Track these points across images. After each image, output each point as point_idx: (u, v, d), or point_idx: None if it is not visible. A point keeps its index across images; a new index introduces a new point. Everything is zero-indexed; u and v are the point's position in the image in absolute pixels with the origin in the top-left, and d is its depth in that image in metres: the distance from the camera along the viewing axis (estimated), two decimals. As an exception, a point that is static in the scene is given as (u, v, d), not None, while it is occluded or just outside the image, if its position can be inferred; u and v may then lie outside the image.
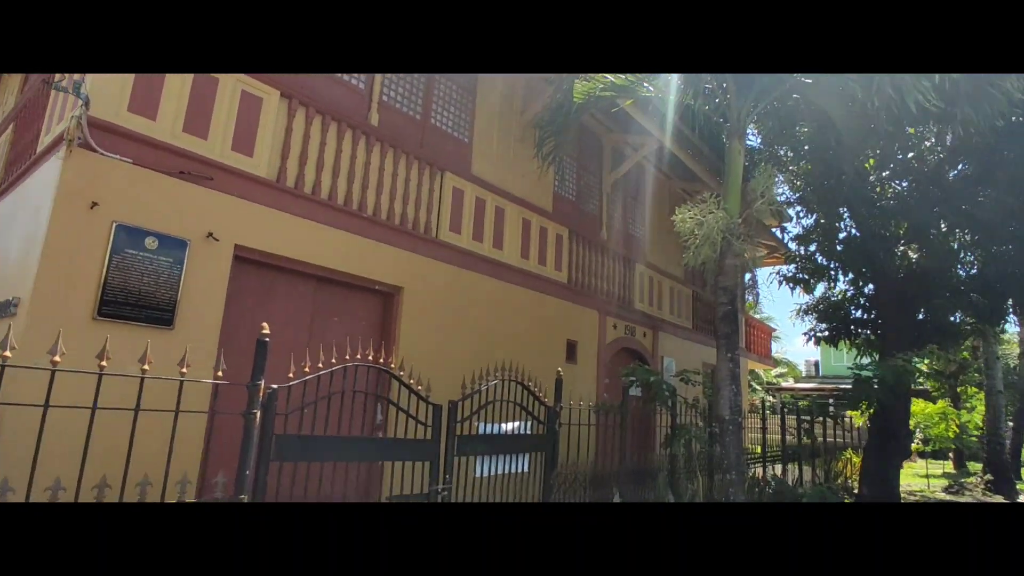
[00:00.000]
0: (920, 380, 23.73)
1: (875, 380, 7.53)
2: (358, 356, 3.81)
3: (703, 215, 5.62)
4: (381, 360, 4.03)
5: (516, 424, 4.71)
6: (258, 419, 3.10)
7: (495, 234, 7.49)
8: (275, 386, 3.25)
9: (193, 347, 4.35)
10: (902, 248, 9.68)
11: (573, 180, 9.46)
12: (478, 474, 4.33)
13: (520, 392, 4.83)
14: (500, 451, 4.48)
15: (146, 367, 2.93)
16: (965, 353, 21.73)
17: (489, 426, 4.48)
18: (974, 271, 10.00)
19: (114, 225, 4.22)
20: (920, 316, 11.23)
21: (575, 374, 8.31)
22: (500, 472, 4.53)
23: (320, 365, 3.52)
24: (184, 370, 3.07)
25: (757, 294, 5.78)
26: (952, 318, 11.05)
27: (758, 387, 32.75)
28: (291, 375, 3.41)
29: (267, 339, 3.17)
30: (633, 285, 10.19)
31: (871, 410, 10.66)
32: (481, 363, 5.19)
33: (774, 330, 17.95)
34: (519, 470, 4.69)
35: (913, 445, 17.51)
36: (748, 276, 6.00)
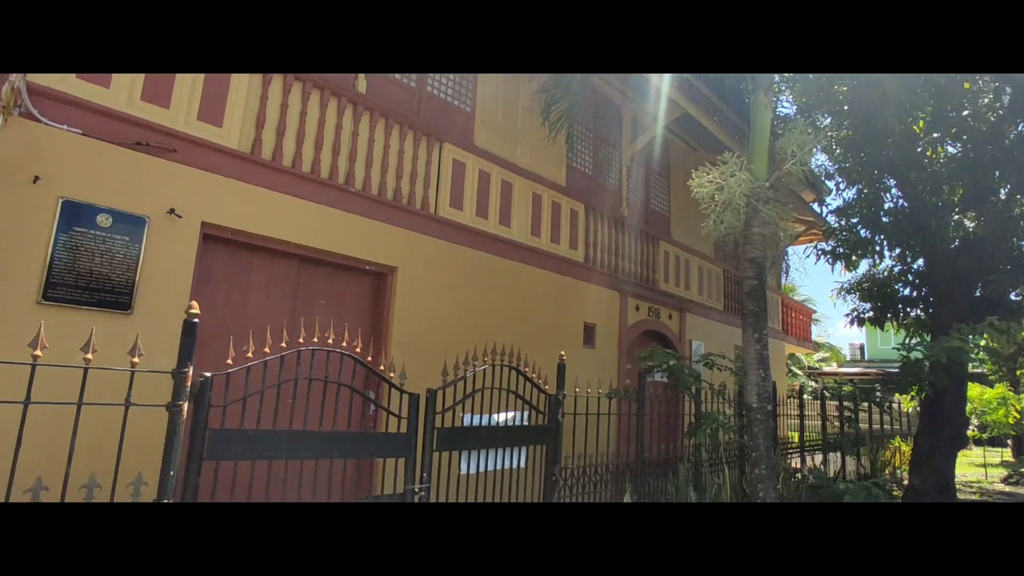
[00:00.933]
0: (977, 359, 22.28)
1: (926, 361, 6.75)
2: (315, 339, 3.34)
3: (724, 178, 4.97)
4: (361, 348, 3.56)
5: (511, 414, 4.21)
6: (185, 412, 2.66)
7: (501, 210, 6.96)
8: (208, 374, 2.81)
9: (156, 334, 4.01)
10: (956, 217, 8.74)
11: (589, 152, 8.83)
12: (464, 471, 3.84)
13: (516, 379, 4.31)
14: (491, 445, 3.98)
15: (89, 356, 2.53)
16: (1025, 333, 20.25)
17: (477, 417, 3.98)
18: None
19: (61, 201, 3.85)
20: (977, 293, 10.25)
21: (593, 359, 7.76)
22: (492, 468, 4.03)
23: (267, 350, 3.07)
24: (136, 359, 2.66)
25: (788, 266, 5.08)
26: (1013, 294, 10.02)
27: (799, 372, 31.52)
28: (229, 361, 2.97)
29: (196, 319, 2.73)
30: (657, 264, 9.52)
31: (922, 394, 9.83)
32: (485, 348, 4.70)
33: (813, 311, 16.93)
34: (515, 465, 4.19)
35: (969, 432, 16.35)
36: (779, 249, 5.30)
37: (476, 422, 3.99)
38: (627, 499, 4.79)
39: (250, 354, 3.00)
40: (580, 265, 7.90)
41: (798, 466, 9.11)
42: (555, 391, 4.63)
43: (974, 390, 15.13)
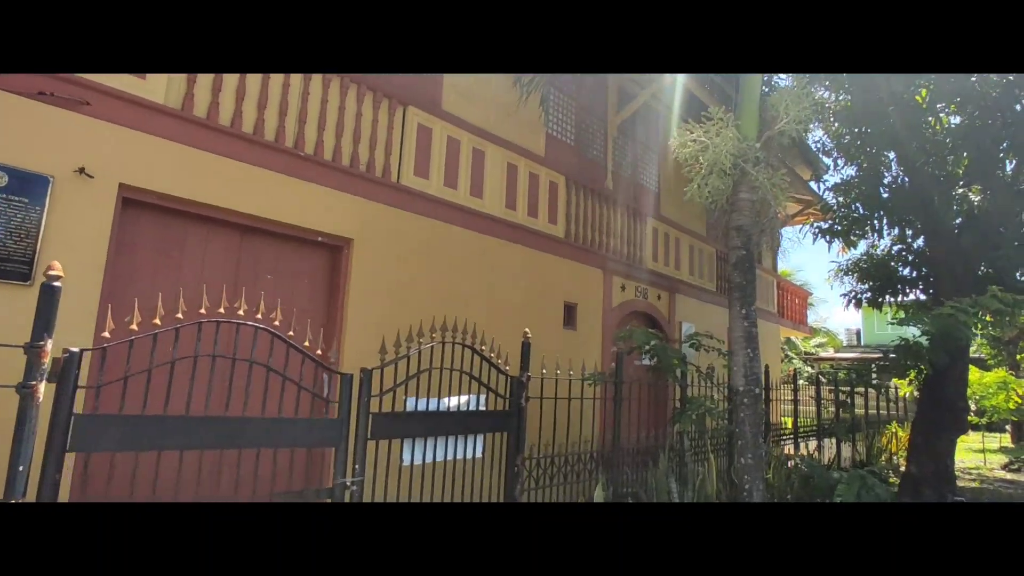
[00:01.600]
0: (976, 343, 21.86)
1: (925, 337, 6.33)
2: (221, 309, 2.87)
3: (709, 137, 4.47)
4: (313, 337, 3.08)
5: (465, 399, 3.75)
6: (41, 393, 2.19)
7: (473, 180, 6.46)
8: (75, 349, 2.33)
9: (63, 308, 3.54)
10: (960, 190, 8.25)
11: (571, 121, 8.31)
12: (407, 462, 3.39)
13: (472, 359, 3.85)
14: (440, 432, 3.53)
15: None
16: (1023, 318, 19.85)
17: (424, 401, 3.52)
18: (1049, 216, 8.49)
19: (-59, 155, 3.36)
20: (980, 272, 9.80)
21: (574, 341, 7.30)
22: (443, 459, 3.58)
23: (157, 321, 2.60)
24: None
25: (780, 242, 4.61)
26: (1019, 273, 9.57)
27: (794, 356, 31.17)
28: (107, 334, 2.50)
29: (56, 283, 2.24)
30: (645, 242, 9.04)
31: (920, 377, 9.42)
32: (434, 324, 4.25)
33: (810, 294, 16.49)
34: (470, 455, 3.74)
35: (969, 417, 16.01)
36: (770, 218, 4.81)
37: (424, 407, 3.53)
38: (598, 494, 4.34)
39: (134, 326, 2.52)
40: (560, 241, 7.42)
41: (792, 452, 8.70)
42: (518, 373, 4.17)
43: (973, 374, 14.75)
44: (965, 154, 8.55)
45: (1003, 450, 17.12)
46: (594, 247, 7.97)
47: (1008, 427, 19.54)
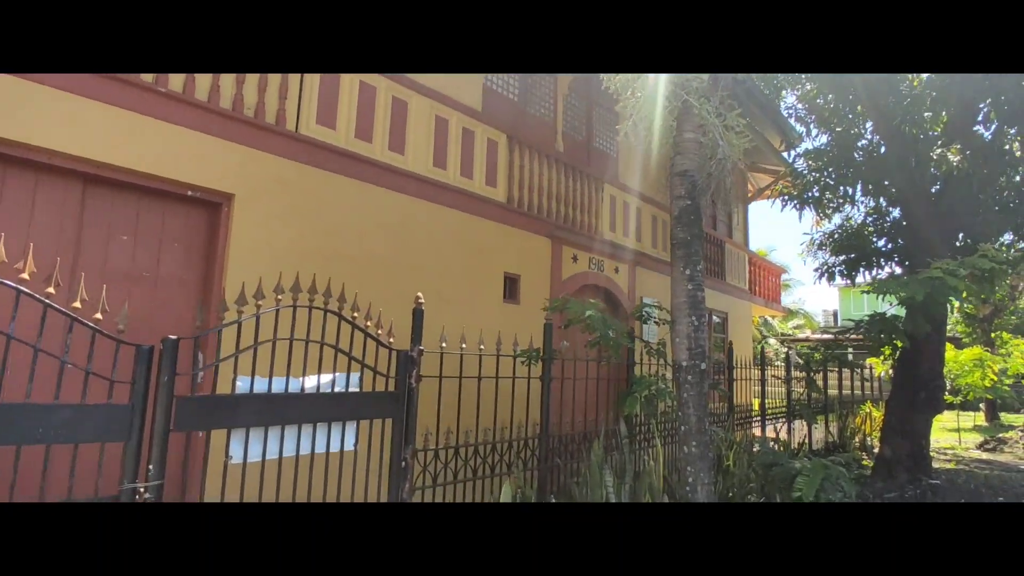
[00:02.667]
0: (962, 297, 21.54)
1: (905, 304, 5.70)
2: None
3: (646, 63, 3.68)
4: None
5: (329, 378, 2.97)
6: None
7: (392, 133, 5.64)
8: None
9: None
10: (939, 151, 7.61)
11: (514, 75, 7.49)
12: (237, 459, 2.61)
13: (345, 329, 3.07)
14: (287, 421, 2.75)
15: None
16: (1001, 294, 19.56)
17: (265, 381, 2.74)
18: (1031, 178, 7.91)
19: None
20: (958, 243, 9.23)
21: (516, 316, 6.55)
22: (294, 454, 2.82)
23: None
24: None
25: (742, 207, 3.87)
26: (997, 244, 9.03)
27: (771, 337, 30.87)
28: None
29: None
30: (601, 210, 8.29)
31: (895, 353, 8.87)
32: (280, 284, 3.48)
33: (784, 271, 15.92)
34: (338, 448, 2.97)
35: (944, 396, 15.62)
36: (722, 165, 4.06)
37: (259, 388, 2.75)
38: (505, 492, 3.60)
39: None
40: (500, 206, 6.64)
41: (760, 435, 8.09)
42: (411, 346, 3.40)
43: (948, 352, 14.34)
44: (944, 113, 7.91)
45: (977, 429, 16.83)
46: (541, 214, 7.20)
47: (982, 405, 19.31)
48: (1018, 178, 7.68)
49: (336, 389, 3.01)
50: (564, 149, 7.91)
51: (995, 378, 13.51)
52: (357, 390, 3.09)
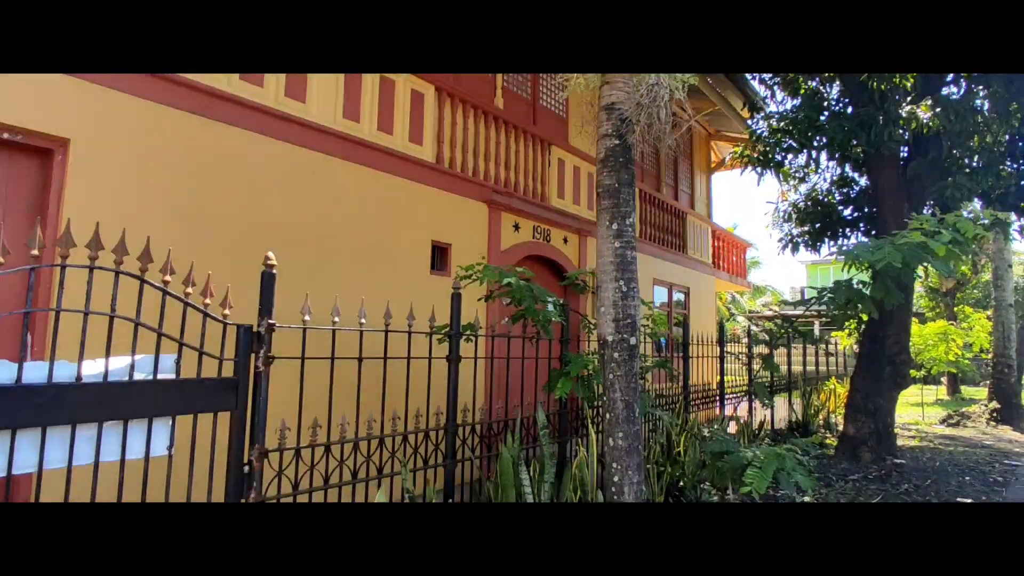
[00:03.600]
0: (939, 259, 21.47)
1: (875, 270, 5.17)
2: None
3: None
4: None
5: (127, 361, 2.22)
6: None
7: (291, 77, 4.82)
8: None
9: None
10: (908, 108, 7.06)
11: (448, 20, 6.67)
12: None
13: (167, 303, 2.32)
14: (41, 421, 2.00)
15: None
16: (965, 268, 19.51)
17: (38, 367, 1.99)
18: (1004, 139, 7.43)
19: None
20: (927, 209, 8.77)
21: (446, 288, 5.82)
22: (97, 460, 2.08)
23: None
24: None
25: (663, 118, 3.15)
26: (968, 211, 8.60)
27: (739, 314, 30.78)
28: None
29: None
30: (548, 175, 7.58)
31: (860, 328, 8.43)
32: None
33: (750, 245, 15.48)
34: (145, 454, 2.24)
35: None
36: (659, 102, 3.35)
37: (50, 377, 2.00)
38: (380, 496, 2.90)
39: None
40: (427, 166, 5.87)
41: (718, 415, 7.57)
42: (259, 320, 2.66)
43: (912, 326, 14.11)
44: (913, 67, 7.34)
45: (939, 403, 16.78)
46: (478, 177, 6.46)
47: (943, 379, 19.33)
48: (989, 138, 7.17)
49: (141, 375, 2.27)
50: (505, 106, 7.14)
51: (959, 352, 13.31)
52: (172, 376, 2.34)
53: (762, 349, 9.91)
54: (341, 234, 5.01)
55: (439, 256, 5.98)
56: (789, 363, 10.38)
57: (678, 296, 10.96)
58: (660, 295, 10.28)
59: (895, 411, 8.04)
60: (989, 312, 15.63)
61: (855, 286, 8.42)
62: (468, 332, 3.83)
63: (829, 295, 6.01)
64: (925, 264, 4.54)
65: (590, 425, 4.17)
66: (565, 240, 7.77)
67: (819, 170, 8.91)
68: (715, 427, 5.57)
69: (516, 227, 6.92)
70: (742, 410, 8.67)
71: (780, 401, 10.11)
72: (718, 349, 8.16)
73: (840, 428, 8.92)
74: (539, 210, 7.26)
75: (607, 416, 3.00)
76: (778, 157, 8.11)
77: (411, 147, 5.75)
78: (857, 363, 8.34)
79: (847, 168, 9.38)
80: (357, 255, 5.09)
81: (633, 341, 3.00)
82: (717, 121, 12.39)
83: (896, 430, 10.65)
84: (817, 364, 12.18)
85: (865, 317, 8.60)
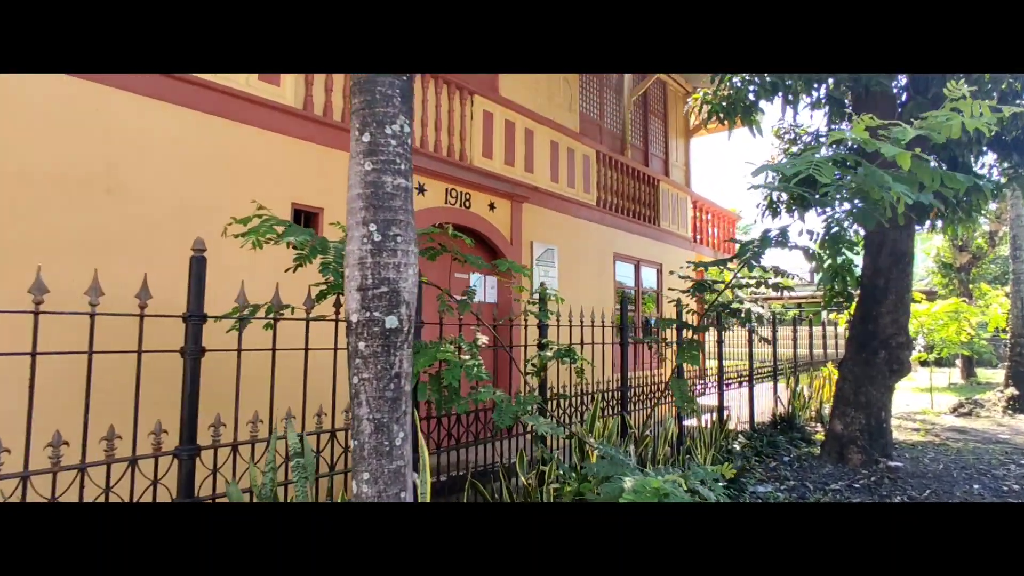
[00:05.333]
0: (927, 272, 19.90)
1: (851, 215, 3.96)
2: None
3: None
4: None
5: None
6: None
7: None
8: None
9: None
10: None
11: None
12: None
13: None
14: None
15: None
16: (980, 241, 17.98)
17: None
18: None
19: None
20: (931, 161, 7.44)
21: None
22: None
23: None
24: None
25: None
26: (974, 168, 7.25)
27: (743, 296, 29.39)
28: None
29: None
30: (470, 130, 6.35)
31: (845, 299, 7.19)
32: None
33: (737, 217, 14.06)
34: None
35: (916, 355, 14.05)
36: None
37: None
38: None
39: None
40: (289, 113, 4.68)
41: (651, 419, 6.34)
42: None
43: (921, 306, 12.74)
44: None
45: (953, 387, 15.41)
46: (365, 127, 5.26)
47: (958, 362, 17.90)
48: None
49: None
50: (408, 43, 5.91)
51: (972, 332, 11.93)
52: None
53: (763, 332, 8.68)
54: (165, 198, 3.86)
55: (305, 223, 4.81)
56: (774, 347, 9.13)
57: (650, 271, 9.72)
58: (625, 272, 9.05)
59: (891, 403, 6.78)
60: (1008, 288, 14.19)
61: (841, 261, 7.16)
62: (234, 316, 2.65)
63: (755, 249, 4.60)
64: (884, 188, 3.24)
65: (423, 447, 2.98)
66: (492, 207, 6.55)
67: (796, 101, 7.50)
68: (597, 444, 4.35)
69: (421, 189, 5.71)
70: (739, 398, 7.51)
71: (762, 390, 8.88)
72: (713, 334, 6.93)
73: (828, 424, 7.68)
74: (455, 171, 6.05)
75: (352, 443, 1.84)
76: (750, 98, 6.81)
77: (265, 88, 4.56)
78: (847, 347, 7.09)
79: (833, 108, 8.03)
80: (192, 222, 3.94)
81: (392, 323, 1.82)
82: (697, 78, 11.05)
83: (899, 420, 9.41)
84: (811, 348, 10.90)
85: (852, 285, 7.35)
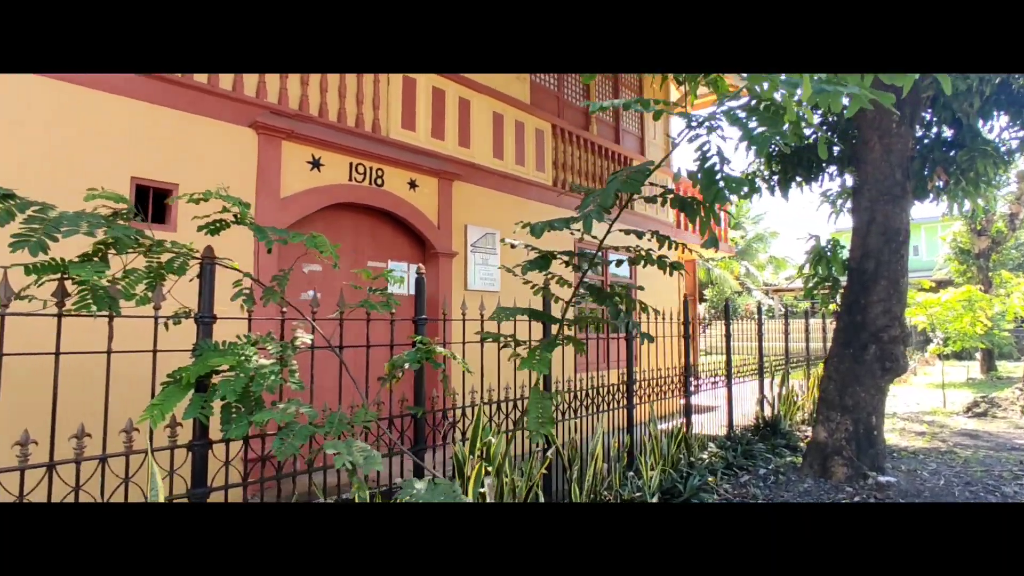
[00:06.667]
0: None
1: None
2: None
3: None
4: None
5: None
6: None
7: None
8: None
9: None
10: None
11: None
12: None
13: None
14: None
15: None
16: (1000, 224, 16.72)
17: None
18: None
19: None
20: (934, 131, 6.46)
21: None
22: None
23: None
24: None
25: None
26: (983, 132, 6.23)
27: (755, 288, 28.29)
28: None
29: None
30: (384, 96, 5.52)
31: (831, 286, 6.33)
32: None
33: (729, 202, 13.04)
34: None
35: (933, 347, 12.91)
36: None
37: None
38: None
39: None
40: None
41: (646, 417, 5.45)
42: None
43: (932, 295, 11.65)
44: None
45: (971, 382, 14.25)
46: (240, 90, 4.46)
47: (978, 355, 16.68)
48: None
49: None
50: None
51: (988, 323, 10.84)
52: None
53: (777, 325, 7.76)
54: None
55: (156, 203, 4.01)
56: (760, 342, 8.19)
57: (622, 260, 8.81)
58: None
59: (883, 406, 5.83)
60: (1029, 274, 12.99)
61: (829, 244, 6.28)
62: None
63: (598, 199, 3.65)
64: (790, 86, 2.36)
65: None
66: (413, 185, 5.70)
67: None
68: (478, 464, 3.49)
69: (316, 164, 4.89)
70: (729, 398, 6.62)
71: (742, 391, 7.95)
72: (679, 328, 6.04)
73: (810, 434, 6.73)
74: (365, 143, 5.22)
75: None
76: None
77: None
78: (833, 342, 6.14)
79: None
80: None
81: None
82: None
83: (902, 424, 8.38)
84: (807, 341, 9.92)
85: (838, 271, 6.40)
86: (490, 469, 3.22)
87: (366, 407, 2.87)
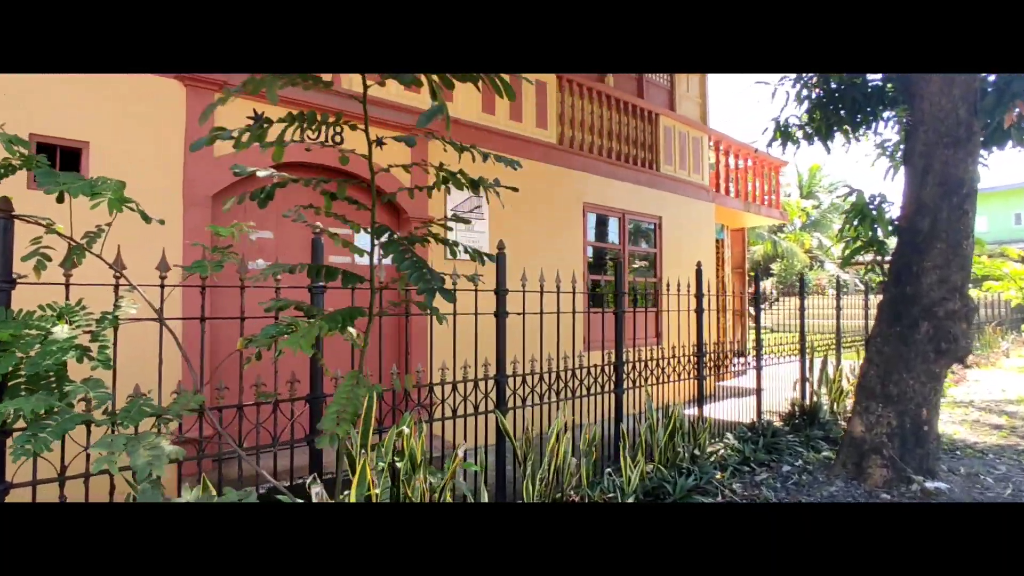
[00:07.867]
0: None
1: None
2: None
3: None
4: None
5: None
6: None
7: None
8: None
9: None
10: None
11: None
12: None
13: None
14: None
15: None
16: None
17: None
18: None
19: None
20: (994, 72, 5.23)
21: (84, 221, 3.53)
22: None
23: None
24: None
25: None
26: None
27: (828, 260, 26.21)
28: None
29: None
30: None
31: (876, 250, 5.40)
32: None
33: (783, 163, 11.54)
34: None
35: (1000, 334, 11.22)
36: None
37: None
38: None
39: None
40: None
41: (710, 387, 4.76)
42: None
43: (989, 261, 9.97)
44: None
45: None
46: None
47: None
48: None
49: None
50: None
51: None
52: None
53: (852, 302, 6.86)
54: None
55: (63, 165, 3.67)
56: (802, 320, 7.18)
57: (647, 227, 7.96)
58: (607, 228, 7.38)
59: (937, 397, 4.82)
60: None
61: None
62: None
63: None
64: None
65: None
66: (380, 143, 5.14)
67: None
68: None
69: (261, 121, 4.41)
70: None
71: (777, 372, 7.03)
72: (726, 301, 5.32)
73: (845, 427, 5.75)
74: (321, 96, 4.72)
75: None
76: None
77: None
78: (877, 318, 5.16)
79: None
80: None
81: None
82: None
83: (977, 415, 7.12)
84: (869, 319, 8.75)
85: (884, 233, 5.35)
86: (382, 466, 2.68)
87: (196, 390, 2.38)
